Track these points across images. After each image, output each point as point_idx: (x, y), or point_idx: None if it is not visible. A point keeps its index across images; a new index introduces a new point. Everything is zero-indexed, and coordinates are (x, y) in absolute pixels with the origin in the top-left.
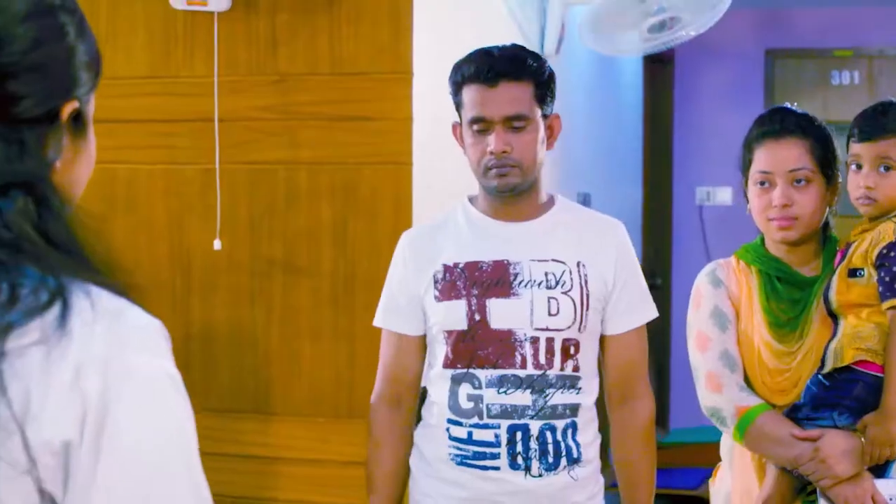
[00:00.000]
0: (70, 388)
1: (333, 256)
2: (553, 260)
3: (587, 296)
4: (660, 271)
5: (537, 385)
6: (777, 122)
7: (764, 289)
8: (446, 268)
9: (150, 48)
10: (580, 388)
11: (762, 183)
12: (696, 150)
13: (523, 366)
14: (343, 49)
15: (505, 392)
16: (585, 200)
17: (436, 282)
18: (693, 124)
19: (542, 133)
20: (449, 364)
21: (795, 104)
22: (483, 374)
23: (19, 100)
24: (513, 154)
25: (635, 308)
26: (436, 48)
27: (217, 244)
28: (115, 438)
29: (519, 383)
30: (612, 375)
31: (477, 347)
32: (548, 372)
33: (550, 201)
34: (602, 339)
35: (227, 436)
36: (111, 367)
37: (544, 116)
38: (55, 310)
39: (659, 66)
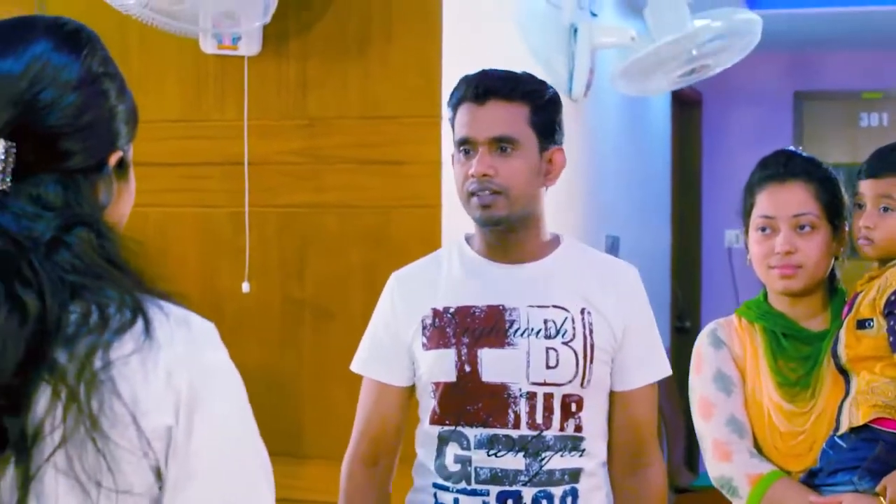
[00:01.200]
0: (165, 386)
1: (363, 299)
2: (554, 306)
3: (591, 347)
4: (689, 314)
5: (532, 447)
6: (781, 165)
7: (770, 347)
8: (435, 312)
9: (181, 92)
10: (584, 451)
11: (763, 229)
12: (724, 193)
13: (516, 425)
14: (373, 93)
15: (495, 454)
16: (614, 244)
17: (424, 328)
18: (721, 167)
19: (535, 162)
20: (436, 420)
21: (801, 148)
22: (472, 433)
23: (72, 155)
24: (497, 179)
25: (646, 362)
26: None
27: (246, 287)
28: (203, 418)
29: (511, 445)
30: (619, 437)
31: (466, 402)
32: (545, 433)
33: (555, 241)
34: (610, 395)
35: None
36: (193, 365)
37: (543, 147)
38: (140, 323)
39: (687, 109)
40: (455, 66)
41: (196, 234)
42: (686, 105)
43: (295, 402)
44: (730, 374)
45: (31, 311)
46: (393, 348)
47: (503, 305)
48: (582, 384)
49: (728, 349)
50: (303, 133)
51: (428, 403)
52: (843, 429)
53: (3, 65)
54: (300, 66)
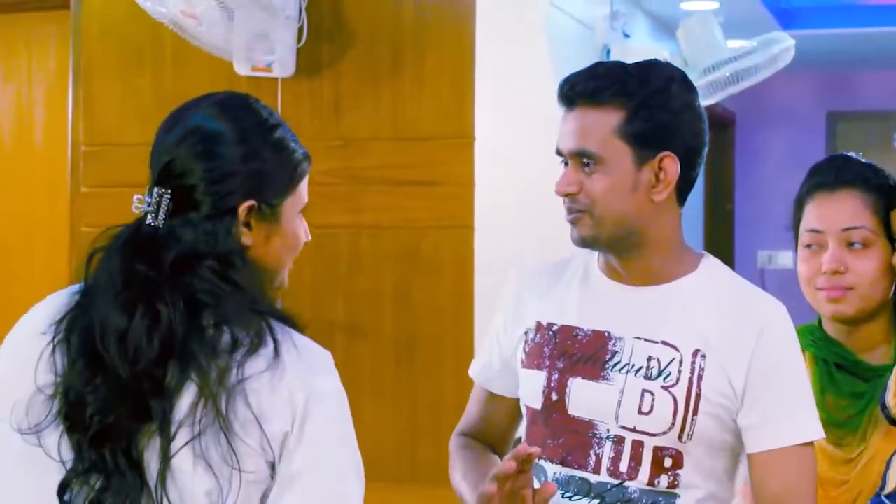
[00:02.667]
0: (287, 401)
1: (395, 319)
2: (663, 343)
3: (697, 397)
4: None
5: (610, 497)
6: (832, 172)
7: (819, 379)
8: (539, 327)
9: None
10: None
11: (810, 245)
12: (757, 213)
13: (596, 470)
14: (406, 114)
15: (569, 498)
16: None
17: (525, 342)
18: (754, 187)
19: (628, 177)
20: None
21: (861, 154)
22: (550, 470)
23: (200, 204)
24: (580, 196)
25: (782, 421)
26: (498, 113)
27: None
28: (310, 428)
29: (587, 490)
30: None
31: (548, 435)
32: (627, 483)
33: (692, 264)
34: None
35: None
36: (309, 386)
37: (643, 158)
38: (271, 346)
39: (720, 129)
40: (487, 88)
41: None
42: (719, 125)
43: None
44: None
45: (162, 318)
46: (501, 356)
47: (609, 333)
48: (680, 437)
49: None
50: (336, 154)
51: (524, 427)
52: (890, 487)
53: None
54: (334, 87)
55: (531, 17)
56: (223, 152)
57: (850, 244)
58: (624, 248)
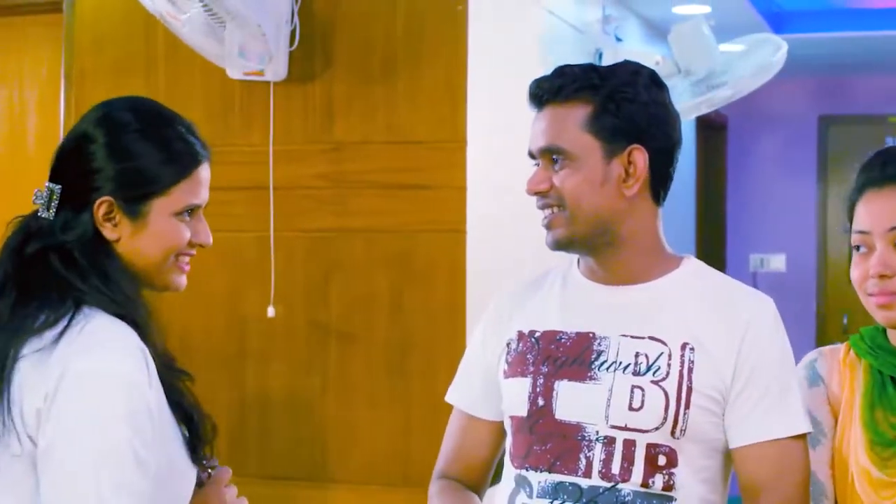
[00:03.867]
0: (43, 379)
1: (388, 324)
2: (650, 338)
3: (688, 390)
4: None
5: (602, 502)
6: (877, 167)
7: (870, 392)
8: (520, 336)
9: (208, 117)
10: None
11: (859, 247)
12: (749, 217)
13: (587, 473)
14: (398, 118)
15: None
16: None
17: (508, 352)
18: (746, 190)
19: (597, 172)
20: (511, 460)
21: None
22: (536, 479)
23: (72, 199)
24: (552, 193)
25: (768, 414)
26: (490, 118)
27: (271, 311)
28: (58, 406)
29: (578, 496)
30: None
31: (534, 442)
32: (620, 485)
33: (675, 263)
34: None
35: (281, 503)
36: (66, 366)
37: (612, 151)
38: (60, 328)
39: (712, 133)
40: (481, 92)
41: (222, 258)
42: (711, 129)
43: (320, 426)
44: (821, 420)
45: None
46: (482, 375)
47: (593, 333)
48: (673, 433)
49: (825, 387)
50: (328, 158)
51: (508, 441)
52: None
53: None
54: (326, 91)
55: (524, 21)
56: (92, 151)
57: None
58: (600, 248)
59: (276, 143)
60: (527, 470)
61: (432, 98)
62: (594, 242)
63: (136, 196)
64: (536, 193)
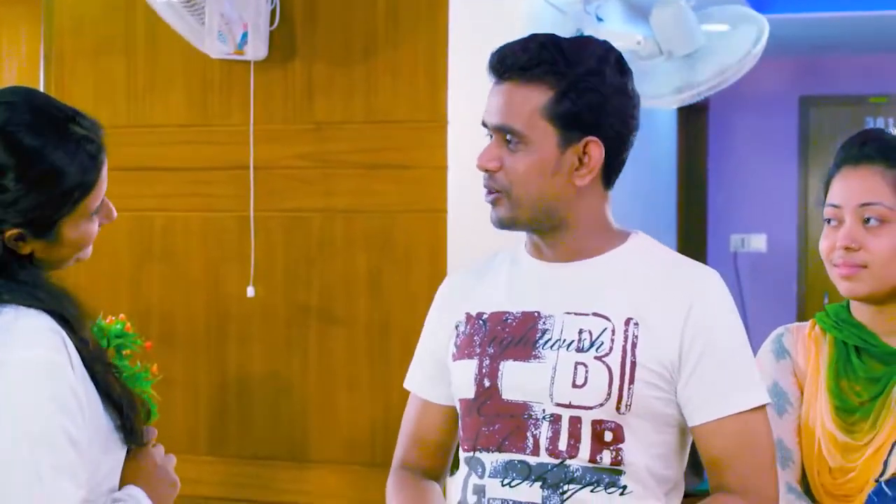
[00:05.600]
0: None
1: (369, 304)
2: (594, 314)
3: (632, 365)
4: None
5: (551, 478)
6: (856, 146)
7: (835, 363)
8: (468, 318)
9: (188, 97)
10: (626, 490)
11: (829, 220)
12: (730, 197)
13: (535, 452)
14: (378, 98)
15: (509, 484)
16: None
17: (457, 336)
18: (727, 171)
19: (550, 160)
20: (462, 444)
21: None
22: (488, 459)
23: None
24: (500, 175)
25: (723, 389)
26: (471, 97)
27: (251, 291)
28: None
29: (527, 473)
30: (710, 483)
31: (482, 423)
32: (568, 462)
33: (621, 238)
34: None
35: (263, 483)
36: None
37: (567, 140)
38: None
39: (693, 114)
40: (461, 71)
41: (202, 238)
42: (692, 110)
43: (300, 407)
44: (786, 391)
45: None
46: (433, 360)
47: (539, 312)
48: (618, 408)
49: (791, 360)
50: (309, 138)
51: (459, 425)
52: (890, 473)
53: None
54: (306, 70)
55: (505, 0)
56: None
57: (867, 220)
58: (545, 229)
59: (256, 123)
60: (478, 451)
61: (413, 78)
62: (539, 225)
63: (44, 225)
64: (486, 170)
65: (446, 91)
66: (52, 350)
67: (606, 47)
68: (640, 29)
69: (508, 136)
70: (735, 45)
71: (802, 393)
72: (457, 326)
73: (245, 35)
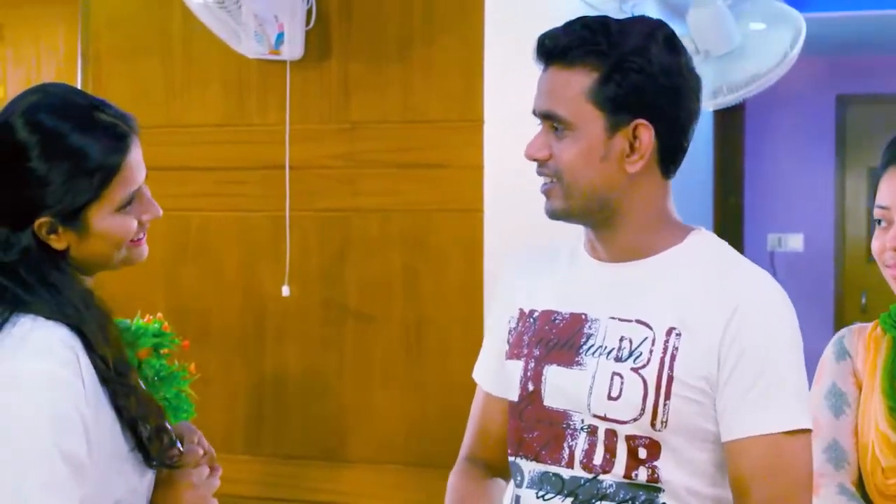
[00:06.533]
0: None
1: (404, 304)
2: (637, 321)
3: (669, 380)
4: None
5: (583, 494)
6: None
7: (891, 363)
8: (521, 314)
9: (224, 97)
10: None
11: (879, 221)
12: (766, 197)
13: (569, 464)
14: (414, 97)
15: (543, 497)
16: None
17: (510, 332)
18: (764, 170)
19: (598, 144)
20: (508, 445)
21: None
22: (526, 468)
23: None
24: (551, 163)
25: (762, 405)
26: (507, 96)
27: (286, 290)
28: None
29: (560, 487)
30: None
31: (524, 429)
32: (601, 477)
33: (679, 237)
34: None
35: (298, 482)
36: None
37: (615, 124)
38: None
39: (729, 113)
40: (497, 70)
41: (237, 237)
42: (728, 109)
43: (335, 407)
44: (845, 391)
45: None
46: (496, 352)
47: (586, 315)
48: (653, 424)
49: (851, 361)
50: (344, 137)
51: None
52: None
53: None
54: (342, 70)
55: None
56: (13, 169)
57: None
58: (598, 223)
59: (292, 123)
60: (519, 457)
61: (448, 76)
62: (592, 218)
63: (71, 211)
64: (534, 159)
65: (482, 90)
66: (60, 364)
67: (655, 25)
68: (677, 28)
69: (555, 124)
70: (773, 44)
71: (860, 393)
72: (510, 321)
73: (281, 35)
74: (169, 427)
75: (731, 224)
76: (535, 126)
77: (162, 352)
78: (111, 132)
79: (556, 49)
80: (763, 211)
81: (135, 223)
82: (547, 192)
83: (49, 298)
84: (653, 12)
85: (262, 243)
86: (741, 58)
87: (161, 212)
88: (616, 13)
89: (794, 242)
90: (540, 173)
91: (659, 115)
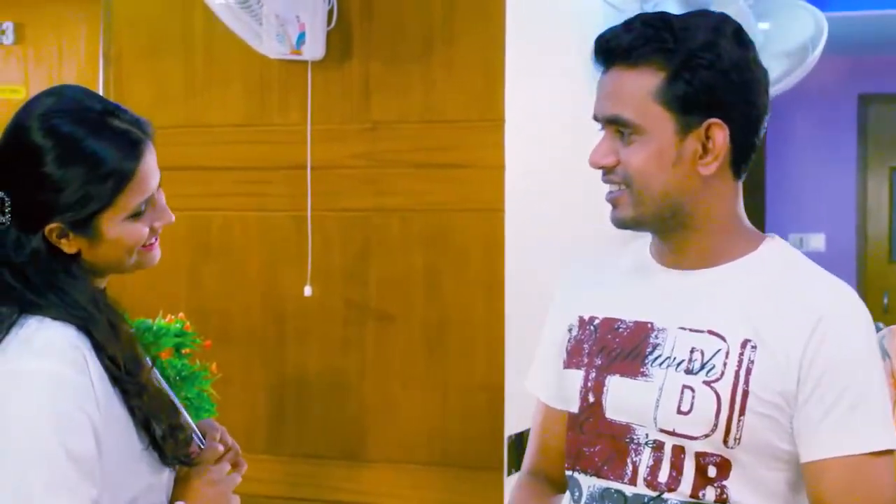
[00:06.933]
0: None
1: (425, 304)
2: (710, 332)
3: (744, 394)
4: None
5: None
6: None
7: None
8: (581, 322)
9: (245, 97)
10: None
11: None
12: (788, 196)
13: (633, 481)
14: (435, 97)
15: None
16: None
17: (568, 340)
18: (785, 170)
19: (668, 148)
20: (565, 460)
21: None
22: (585, 483)
23: (14, 216)
24: (619, 169)
25: (836, 424)
26: (528, 95)
27: (308, 290)
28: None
29: None
30: None
31: (584, 443)
32: (666, 496)
33: (752, 244)
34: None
35: (319, 482)
36: (3, 367)
37: (687, 126)
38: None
39: None
40: (518, 70)
41: (259, 237)
42: None
43: (357, 406)
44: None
45: None
46: (553, 363)
47: (652, 324)
48: (726, 442)
49: (890, 362)
50: (365, 137)
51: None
52: None
53: None
54: (363, 70)
55: None
56: (27, 173)
57: None
58: (670, 229)
59: (313, 123)
60: (577, 472)
61: (469, 76)
62: (665, 225)
63: (81, 219)
64: (600, 167)
65: (503, 89)
66: (66, 363)
67: (721, 18)
68: None
69: (621, 128)
70: (794, 43)
71: None
72: (569, 329)
73: (302, 35)
74: (186, 424)
75: (752, 224)
76: (557, 125)
77: (184, 352)
78: (125, 138)
79: (618, 48)
80: (784, 211)
81: (146, 230)
82: (614, 201)
83: (56, 300)
84: (673, 9)
85: (283, 243)
86: (762, 57)
87: (173, 218)
88: (638, 12)
89: (816, 242)
90: (606, 181)
91: (732, 113)
